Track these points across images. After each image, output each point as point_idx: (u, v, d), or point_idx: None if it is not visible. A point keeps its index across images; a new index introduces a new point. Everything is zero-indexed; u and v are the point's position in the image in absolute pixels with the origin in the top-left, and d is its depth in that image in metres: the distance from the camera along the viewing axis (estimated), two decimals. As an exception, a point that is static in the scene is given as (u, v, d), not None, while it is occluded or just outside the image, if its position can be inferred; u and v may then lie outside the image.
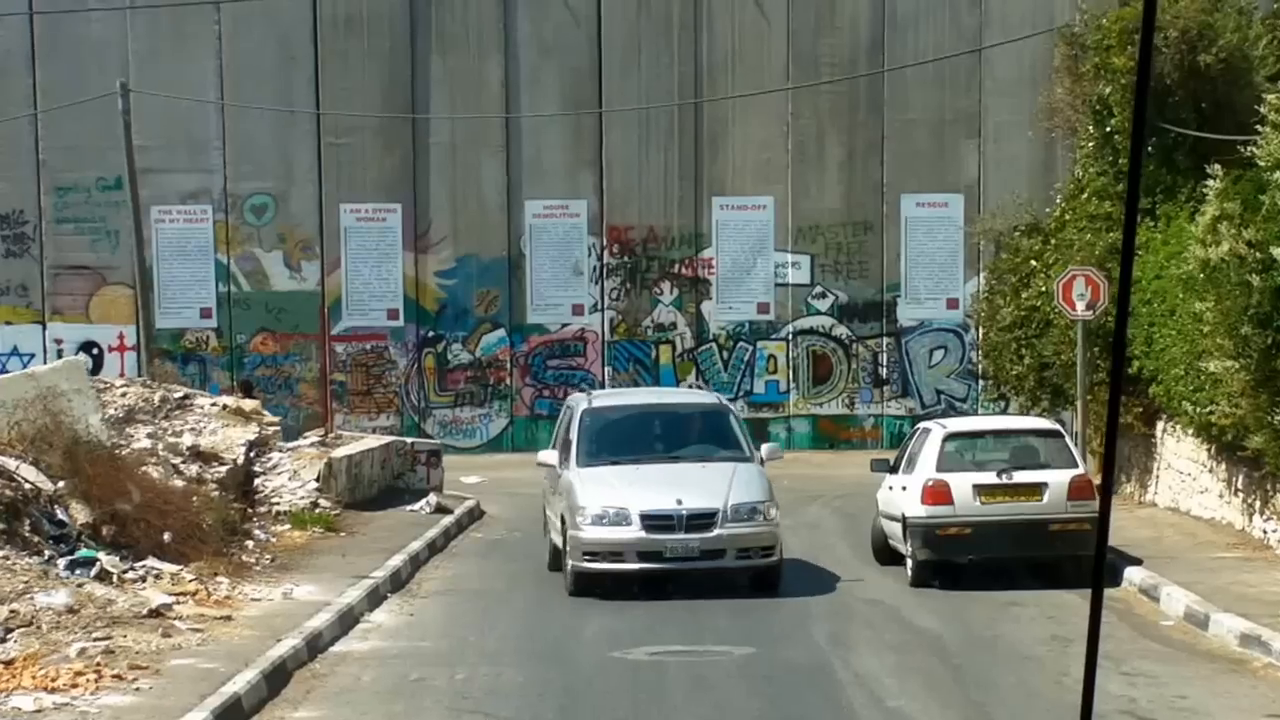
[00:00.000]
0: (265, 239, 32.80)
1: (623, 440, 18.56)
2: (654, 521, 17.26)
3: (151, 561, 16.89)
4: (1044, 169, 31.20)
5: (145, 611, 15.07)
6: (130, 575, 16.44)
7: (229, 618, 15.47)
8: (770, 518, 17.52)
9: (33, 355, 31.91)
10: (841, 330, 32.91)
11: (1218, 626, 14.66)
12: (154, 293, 31.62)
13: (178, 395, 24.10)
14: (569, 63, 32.48)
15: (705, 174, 32.57)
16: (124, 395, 23.85)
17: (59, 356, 30.52)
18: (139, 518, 17.48)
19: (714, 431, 18.78)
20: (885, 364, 32.91)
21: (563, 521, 17.81)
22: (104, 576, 16.06)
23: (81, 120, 31.15)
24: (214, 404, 24.28)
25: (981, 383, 30.50)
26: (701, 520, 17.25)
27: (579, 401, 19.55)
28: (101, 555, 16.36)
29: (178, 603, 15.65)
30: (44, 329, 32.77)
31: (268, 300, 32.69)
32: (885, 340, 32.85)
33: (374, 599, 16.97)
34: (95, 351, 32.32)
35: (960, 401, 32.45)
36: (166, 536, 17.45)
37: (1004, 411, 30.83)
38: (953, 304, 32.66)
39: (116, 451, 19.31)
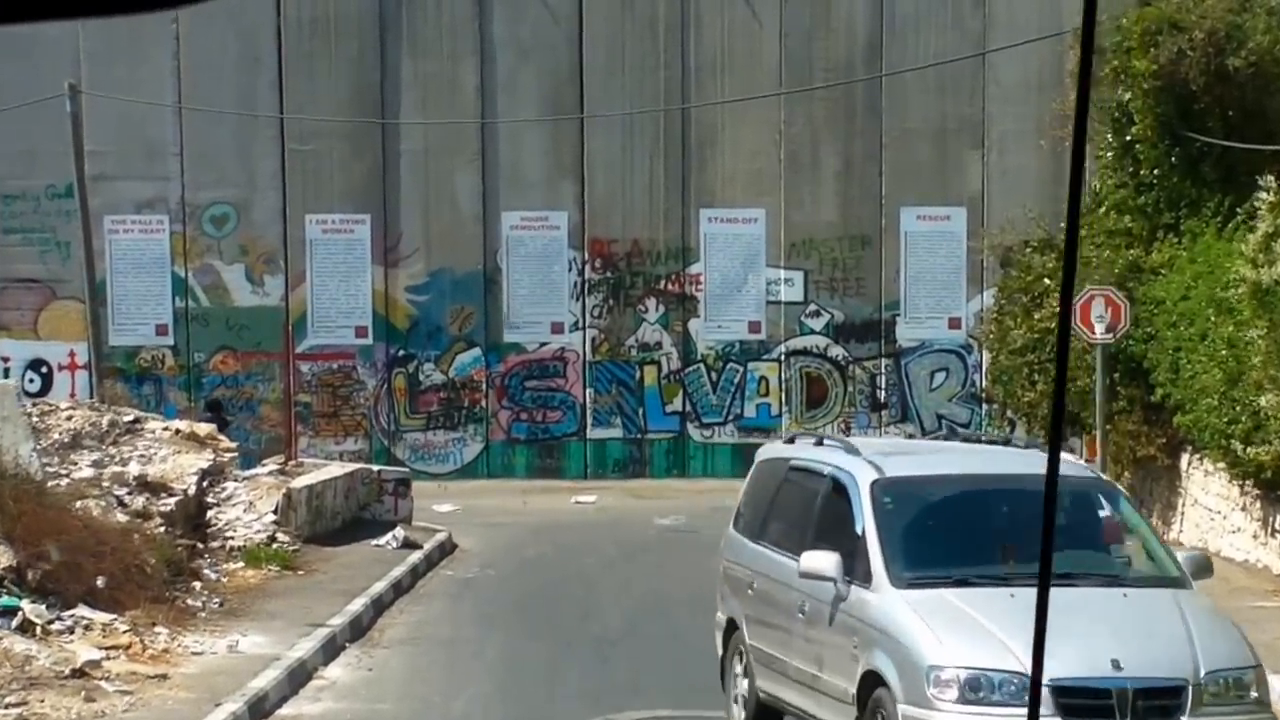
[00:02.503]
0: (225, 251, 31.78)
1: (956, 539, 11.46)
2: (1076, 700, 9.95)
3: (82, 610, 15.58)
4: (1053, 181, 30.22)
5: (69, 671, 13.83)
6: (56, 626, 15.16)
7: (164, 676, 14.21)
8: (1263, 698, 10.76)
9: None
10: (837, 351, 32.07)
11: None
12: (106, 308, 30.65)
13: (127, 419, 23.04)
14: (548, 65, 31.64)
15: (693, 184, 31.79)
16: (69, 419, 22.75)
17: (5, 375, 29.48)
18: (69, 560, 16.13)
19: (1094, 527, 11.91)
20: (883, 386, 32.10)
21: (867, 689, 10.64)
22: (26, 628, 14.81)
23: (30, 123, 29.99)
24: (166, 428, 23.17)
25: (985, 407, 29.53)
26: (1161, 700, 10.21)
27: (852, 465, 11.64)
28: (24, 604, 15.07)
29: (108, 658, 14.41)
30: None
31: (228, 316, 31.69)
32: (883, 361, 32.05)
33: (330, 650, 15.77)
34: (44, 370, 31.46)
35: (963, 426, 31.37)
36: (100, 581, 16.14)
37: (1009, 439, 30.21)
38: (955, 323, 31.88)
39: (47, 485, 18.04)
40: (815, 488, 11.97)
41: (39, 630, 14.77)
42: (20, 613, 14.85)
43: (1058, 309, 22.69)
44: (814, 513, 11.85)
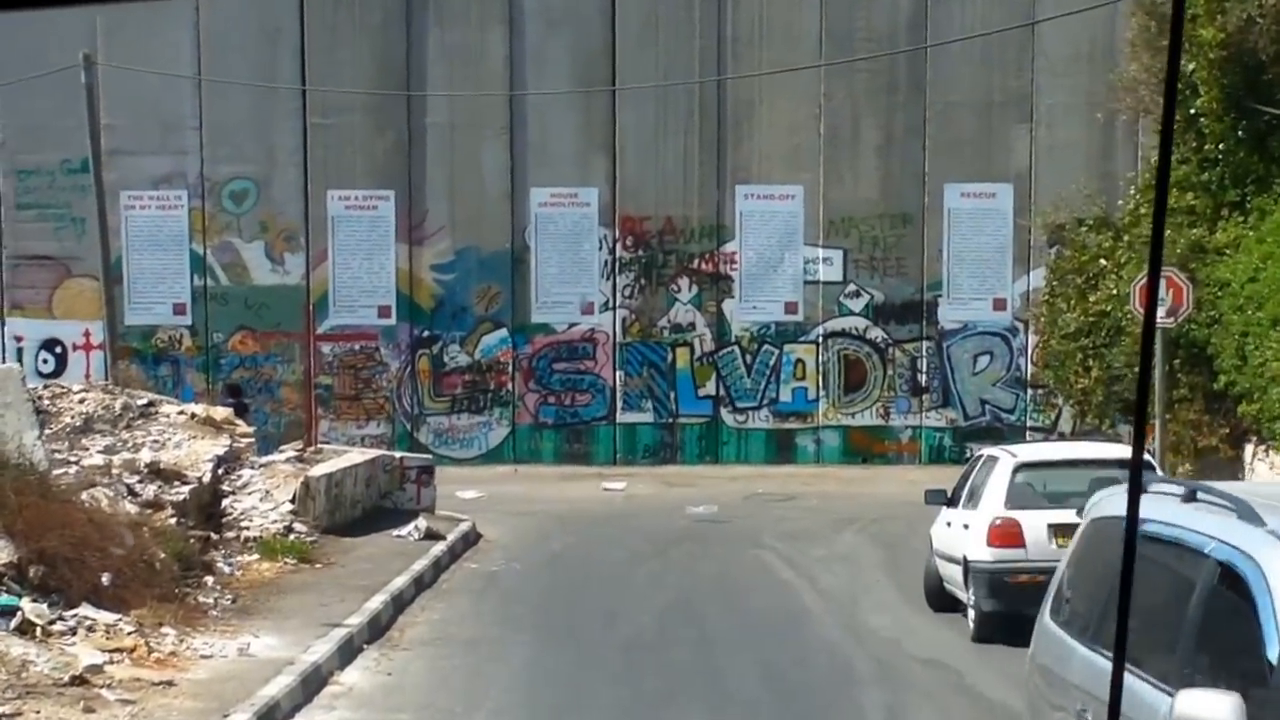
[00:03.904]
0: (245, 228, 31.44)
1: None
2: None
3: (85, 610, 14.86)
4: (1102, 156, 29.92)
5: (68, 678, 13.04)
6: (58, 627, 14.42)
7: (170, 683, 13.38)
8: None
9: None
10: (877, 333, 31.60)
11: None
12: (123, 286, 30.33)
13: (141, 402, 22.63)
14: (579, 35, 31.19)
15: (728, 160, 31.36)
16: (82, 402, 22.43)
17: (19, 355, 29.32)
18: (73, 556, 15.43)
19: None
20: (924, 370, 31.58)
21: None
22: (26, 629, 14.09)
23: (44, 96, 29.61)
24: (181, 412, 22.78)
25: (1030, 392, 28.96)
26: None
27: (1255, 543, 6.76)
28: (24, 603, 14.35)
29: (111, 662, 13.66)
30: (3, 325, 31.40)
31: (247, 295, 31.36)
32: (925, 344, 31.56)
33: (347, 653, 15.02)
34: (59, 350, 31.21)
35: (1007, 413, 31.22)
36: (105, 578, 15.42)
37: (1055, 424, 29.56)
38: (1000, 305, 31.37)
39: (54, 474, 17.43)
40: (1189, 574, 7.39)
41: (39, 632, 14.08)
42: (20, 613, 14.18)
43: (1114, 291, 22.16)
44: (1188, 616, 7.23)
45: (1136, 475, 2.95)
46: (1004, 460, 16.20)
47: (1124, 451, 17.54)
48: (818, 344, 31.58)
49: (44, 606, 14.46)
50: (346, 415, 31.36)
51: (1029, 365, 30.28)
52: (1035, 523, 15.44)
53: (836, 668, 14.42)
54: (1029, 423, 30.74)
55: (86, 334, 30.86)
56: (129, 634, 14.51)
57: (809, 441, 31.46)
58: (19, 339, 31.09)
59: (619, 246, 31.42)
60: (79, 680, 12.91)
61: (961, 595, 16.03)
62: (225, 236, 31.38)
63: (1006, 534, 15.42)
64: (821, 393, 31.57)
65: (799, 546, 21.40)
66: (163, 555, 16.68)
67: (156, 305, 31.30)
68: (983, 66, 30.97)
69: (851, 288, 31.56)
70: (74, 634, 14.29)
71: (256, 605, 16.61)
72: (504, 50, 31.16)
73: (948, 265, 31.34)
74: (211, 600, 16.63)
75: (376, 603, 16.75)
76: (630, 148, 31.30)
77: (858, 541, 22.13)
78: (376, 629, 16.12)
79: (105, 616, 14.69)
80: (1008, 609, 15.29)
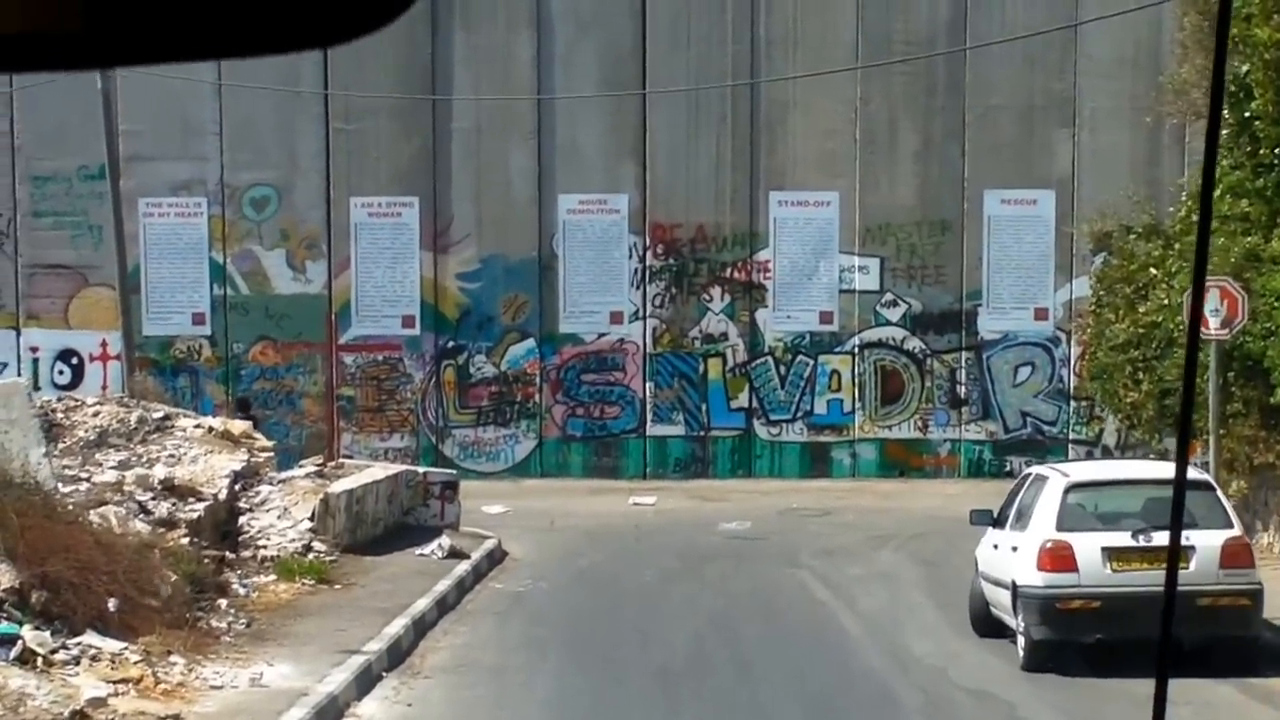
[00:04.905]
0: (266, 236, 31.37)
1: None
2: None
3: (90, 637, 14.44)
4: (1148, 162, 29.67)
5: (69, 713, 12.51)
6: (61, 656, 14.00)
7: (176, 716, 12.93)
8: None
9: (5, 365, 30.55)
10: (914, 343, 31.41)
11: None
12: (140, 296, 30.17)
13: (157, 415, 22.40)
14: (608, 38, 31.07)
15: (761, 165, 31.22)
16: (96, 415, 22.19)
17: (35, 366, 29.22)
18: (78, 581, 15.01)
19: None
20: (964, 381, 31.38)
21: None
22: (26, 659, 13.66)
23: (61, 101, 29.50)
24: (198, 426, 22.54)
25: (1073, 404, 29.01)
26: None
27: None
28: (26, 631, 13.94)
29: (115, 694, 13.20)
30: (18, 335, 31.22)
31: (268, 305, 31.31)
32: (964, 355, 31.37)
33: (364, 682, 14.57)
34: (75, 361, 31.07)
35: (1049, 425, 30.88)
36: (111, 604, 14.95)
37: (1099, 438, 29.24)
38: (1041, 314, 31.12)
39: (63, 492, 17.20)
40: None
41: (40, 661, 13.64)
42: (20, 642, 13.73)
43: (1165, 301, 21.56)
44: None
45: (1180, 495, 3.00)
46: (1054, 480, 15.84)
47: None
48: (853, 355, 31.49)
49: (46, 634, 14.07)
50: (370, 428, 31.36)
51: (1071, 377, 30.01)
52: (1088, 546, 15.07)
53: (880, 698, 14.07)
54: (1071, 436, 30.49)
55: (104, 344, 30.72)
56: (135, 663, 14.11)
57: (845, 455, 31.35)
58: (35, 350, 31.02)
59: (649, 254, 31.38)
60: (80, 715, 12.45)
61: (1010, 621, 15.69)
62: (245, 244, 31.34)
63: (1058, 557, 15.08)
64: (857, 405, 31.45)
65: (836, 564, 21.16)
66: (174, 578, 16.26)
67: (175, 315, 31.28)
68: (1024, 69, 30.85)
69: (888, 297, 31.42)
70: (77, 664, 13.91)
71: (271, 630, 16.28)
72: (531, 52, 31.11)
73: (987, 273, 31.20)
74: (225, 624, 16.29)
75: (397, 627, 16.43)
76: (661, 153, 31.26)
77: (897, 559, 21.87)
78: (396, 655, 15.75)
79: (110, 645, 14.31)
80: (1060, 637, 15.08)
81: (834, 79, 30.36)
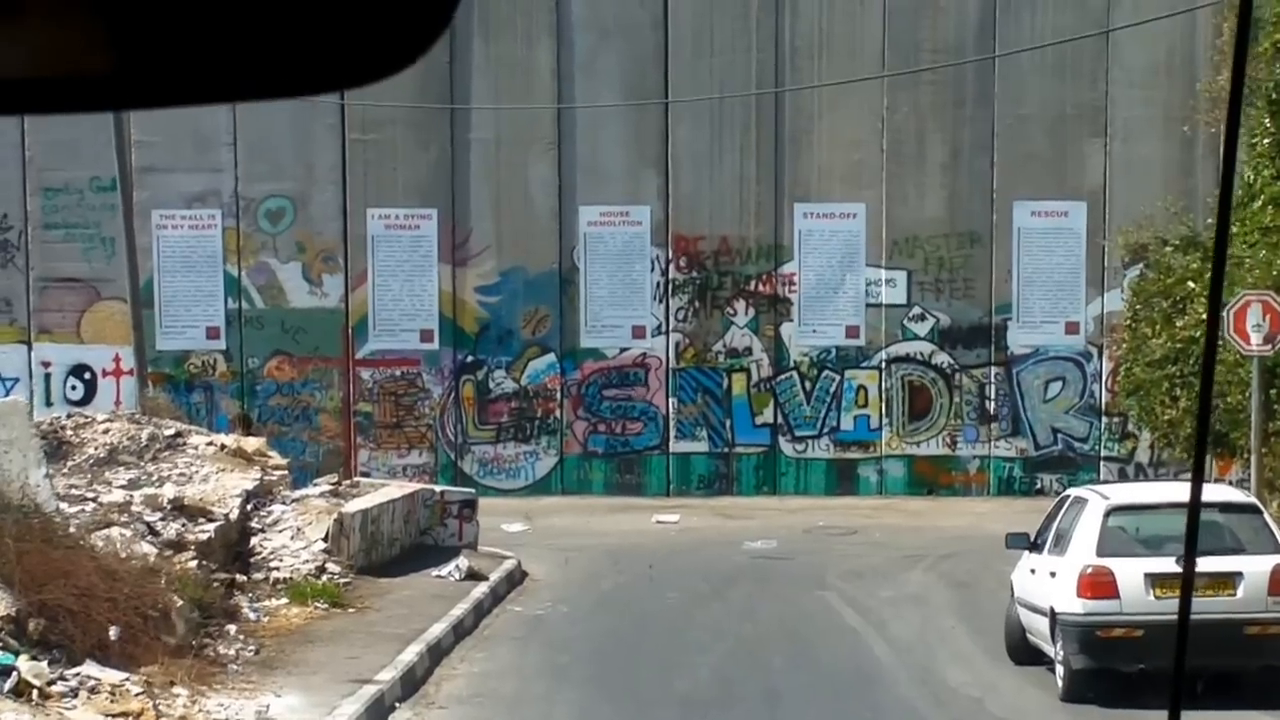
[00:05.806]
0: (281, 248, 31.20)
1: None
2: None
3: (89, 668, 14.04)
4: (1183, 173, 29.26)
5: None
6: (58, 688, 13.62)
7: None
8: None
9: (16, 380, 30.37)
10: (942, 358, 31.15)
11: None
12: (154, 310, 29.94)
13: (168, 432, 22.05)
14: (630, 47, 30.89)
15: (786, 176, 30.97)
16: (106, 432, 21.85)
17: (46, 382, 29.02)
18: (77, 609, 14.62)
19: None
20: (993, 397, 31.09)
21: None
22: (22, 691, 13.30)
23: None
24: (210, 443, 22.18)
25: (1105, 420, 28.68)
26: None
27: None
28: (22, 661, 13.56)
29: None
30: (30, 350, 30.99)
31: (284, 319, 31.09)
32: (993, 370, 31.09)
33: (376, 713, 14.20)
34: (87, 376, 30.82)
35: (1081, 442, 30.50)
36: (113, 632, 14.58)
37: (1132, 455, 28.89)
38: (1073, 328, 30.82)
39: (65, 513, 16.85)
40: None
41: (36, 694, 13.27)
42: (16, 673, 13.36)
43: (1204, 316, 21.12)
44: None
45: (1194, 518, 2.90)
46: (1094, 502, 15.43)
47: (1225, 493, 17.12)
48: (880, 370, 31.27)
49: (43, 665, 13.71)
50: (387, 444, 31.21)
51: (1104, 392, 29.74)
52: (1130, 571, 14.71)
53: (913, 734, 13.74)
54: (1104, 453, 30.22)
55: (117, 359, 30.52)
56: (136, 695, 13.72)
57: (871, 472, 31.15)
58: (46, 364, 30.84)
59: (672, 268, 31.22)
60: (76, 752, 12.09)
61: (1048, 649, 15.37)
62: (261, 257, 31.20)
63: (1098, 584, 14.72)
64: (884, 421, 31.26)
65: (865, 586, 20.83)
66: (179, 604, 15.83)
67: (189, 329, 31.15)
68: (1054, 78, 30.55)
69: (916, 311, 31.22)
70: (75, 695, 13.54)
71: (281, 657, 15.94)
72: (551, 62, 30.97)
73: (1017, 287, 30.95)
74: (233, 652, 15.93)
75: (411, 654, 16.08)
76: (684, 164, 31.10)
77: (927, 581, 21.54)
78: (410, 684, 15.40)
79: (111, 675, 13.92)
80: (1101, 665, 14.74)
81: (860, 88, 30.24)
